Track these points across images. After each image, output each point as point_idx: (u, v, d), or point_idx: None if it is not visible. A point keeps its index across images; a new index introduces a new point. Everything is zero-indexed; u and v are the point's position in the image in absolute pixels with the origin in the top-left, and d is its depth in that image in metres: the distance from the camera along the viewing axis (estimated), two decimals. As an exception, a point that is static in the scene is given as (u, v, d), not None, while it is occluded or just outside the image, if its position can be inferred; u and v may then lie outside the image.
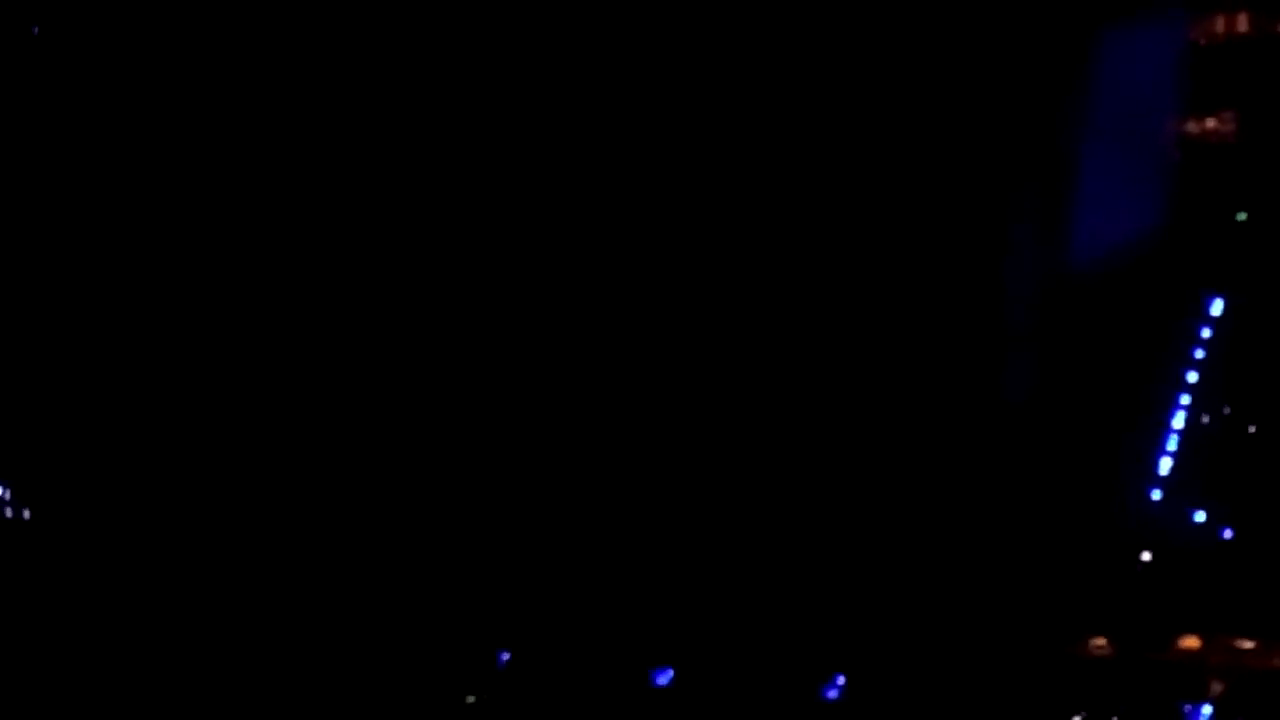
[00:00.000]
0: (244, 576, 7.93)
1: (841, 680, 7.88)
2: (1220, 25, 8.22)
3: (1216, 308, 8.14)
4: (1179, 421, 8.09)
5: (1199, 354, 8.09)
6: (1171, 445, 8.06)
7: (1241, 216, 8.16)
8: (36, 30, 8.05)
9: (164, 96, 8.15)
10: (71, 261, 8.19)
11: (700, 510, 8.17)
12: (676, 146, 8.00)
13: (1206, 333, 8.12)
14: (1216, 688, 7.84)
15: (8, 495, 7.95)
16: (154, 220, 8.18)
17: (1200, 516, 7.99)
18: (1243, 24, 8.20)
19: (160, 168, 8.17)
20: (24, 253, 8.18)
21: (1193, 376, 8.10)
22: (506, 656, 7.85)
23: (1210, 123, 8.23)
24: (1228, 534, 7.97)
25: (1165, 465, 8.05)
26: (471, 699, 7.82)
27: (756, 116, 8.14)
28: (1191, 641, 7.90)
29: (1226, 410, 8.05)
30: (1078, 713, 7.85)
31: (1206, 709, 7.84)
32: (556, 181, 8.07)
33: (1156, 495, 8.06)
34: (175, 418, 8.10)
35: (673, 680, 7.90)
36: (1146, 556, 7.98)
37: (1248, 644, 7.86)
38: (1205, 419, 8.08)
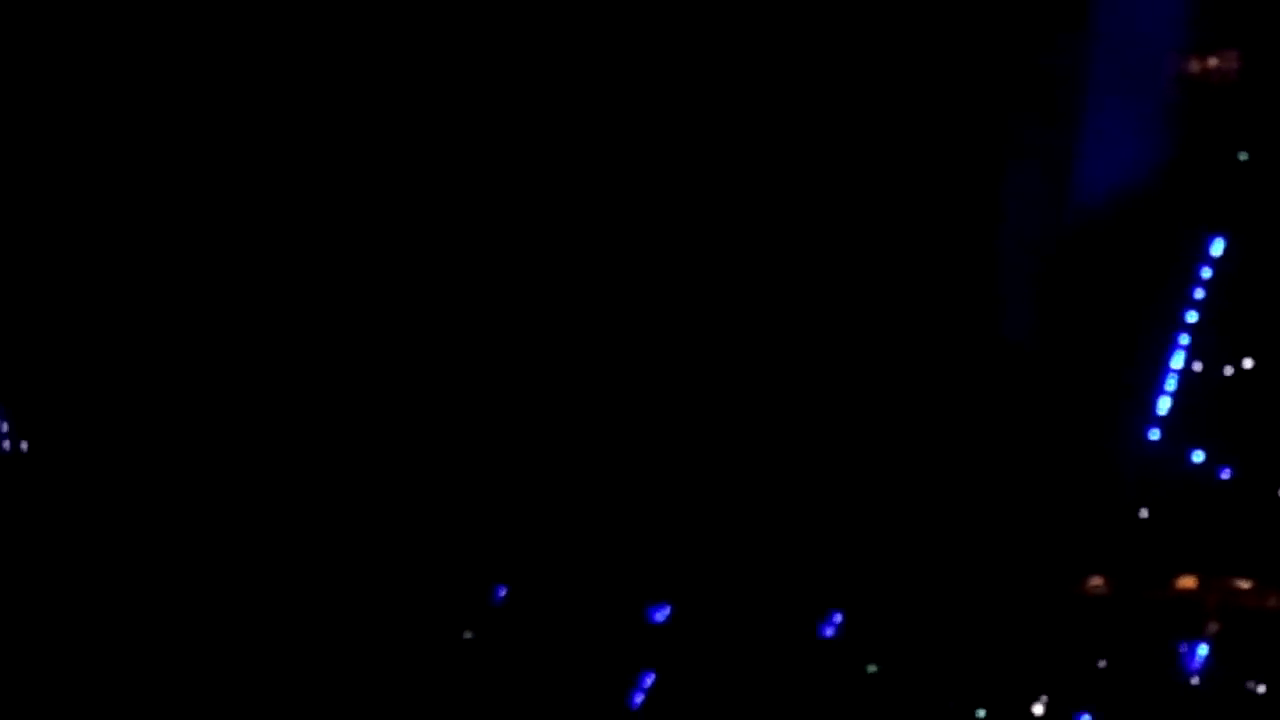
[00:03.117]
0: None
1: (839, 618, 7.88)
2: (1223, -37, 8.19)
3: (1217, 247, 8.11)
4: (1178, 361, 8.07)
5: (1199, 294, 8.07)
6: (1170, 385, 8.05)
7: (1243, 156, 8.13)
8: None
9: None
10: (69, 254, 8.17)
11: (697, 447, 8.16)
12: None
13: (1207, 272, 8.10)
14: (1213, 627, 7.84)
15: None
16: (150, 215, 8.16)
17: (1199, 457, 7.99)
18: (1246, -38, 8.17)
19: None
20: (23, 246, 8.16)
21: (1192, 316, 8.08)
22: (503, 592, 7.86)
23: (1213, 61, 8.20)
24: (1226, 474, 7.96)
25: (1164, 405, 8.04)
26: (469, 634, 7.82)
27: (746, 53, 8.10)
28: (1188, 581, 7.90)
29: (1226, 351, 8.03)
30: (1075, 651, 7.85)
31: (1203, 648, 7.85)
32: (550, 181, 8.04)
33: (1155, 435, 8.05)
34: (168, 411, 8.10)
35: (669, 617, 7.90)
36: (1144, 496, 7.97)
37: (1244, 584, 7.86)
38: (1204, 359, 8.06)
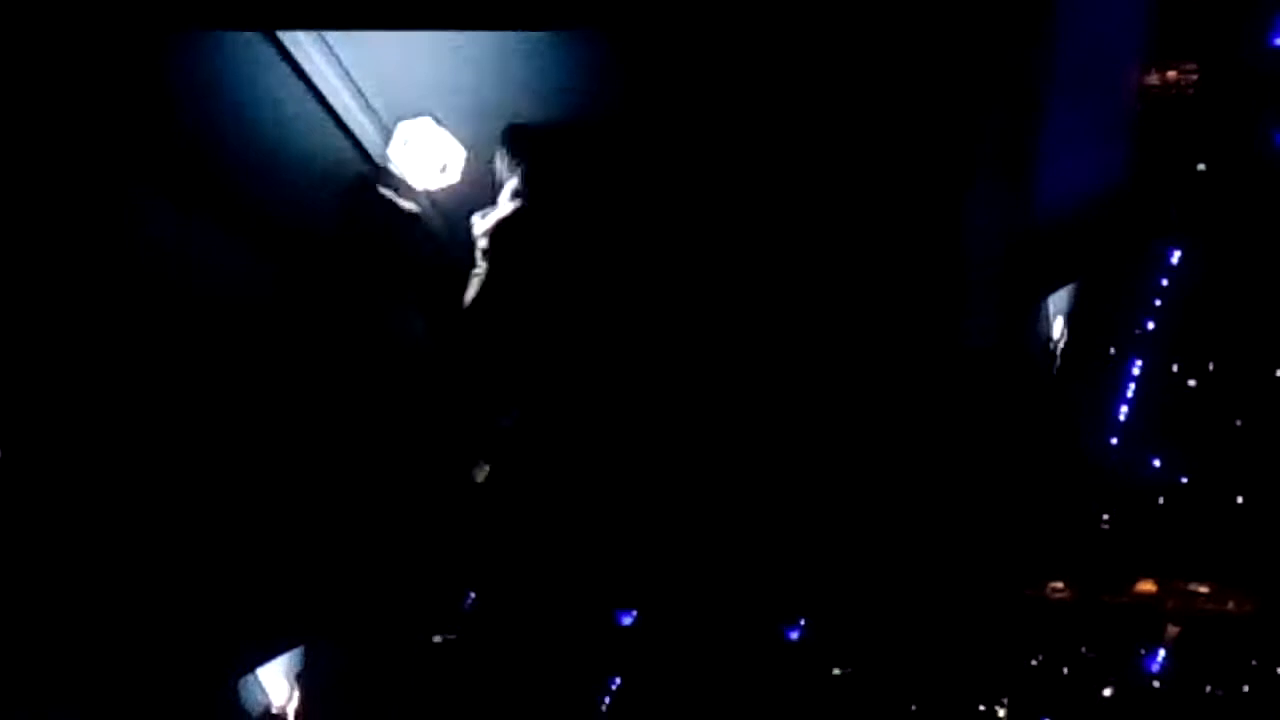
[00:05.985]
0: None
1: (804, 621, 7.93)
2: (1182, -23, 8.29)
3: (1175, 257, 8.23)
4: (1137, 369, 8.18)
5: (1157, 302, 8.18)
6: (1129, 393, 8.15)
7: (1201, 167, 8.24)
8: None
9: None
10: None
11: (664, 453, 8.19)
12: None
13: (1164, 282, 8.21)
14: (1172, 631, 7.94)
15: None
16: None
17: (1157, 463, 8.09)
18: (1204, -24, 8.28)
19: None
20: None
21: (1150, 325, 8.19)
22: (473, 596, 7.86)
23: (1171, 74, 8.30)
24: (1184, 480, 8.08)
25: (1123, 412, 8.14)
26: (438, 639, 7.82)
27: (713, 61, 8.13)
28: (1148, 586, 8.00)
29: (1184, 359, 8.14)
30: (1036, 655, 7.95)
31: (1162, 652, 7.96)
32: None
33: (1115, 442, 8.15)
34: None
35: (636, 621, 7.93)
36: (1104, 502, 8.07)
37: (1203, 588, 7.97)
38: (1163, 367, 8.18)
